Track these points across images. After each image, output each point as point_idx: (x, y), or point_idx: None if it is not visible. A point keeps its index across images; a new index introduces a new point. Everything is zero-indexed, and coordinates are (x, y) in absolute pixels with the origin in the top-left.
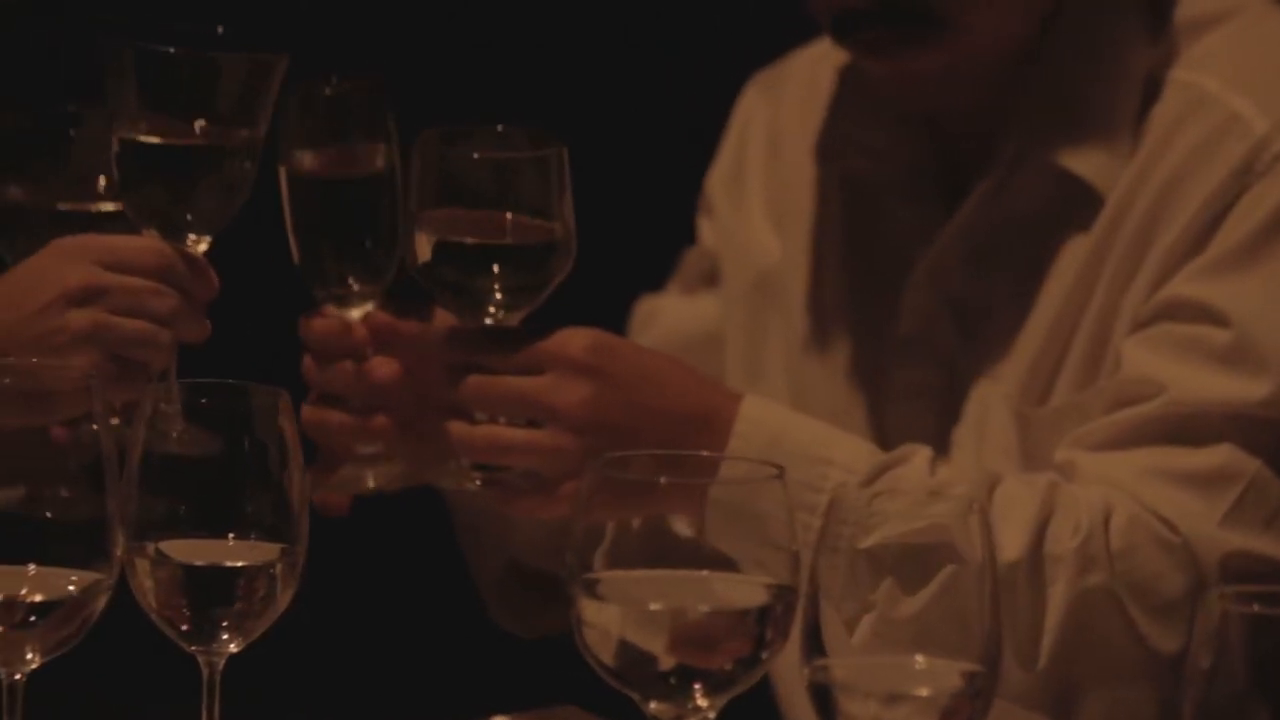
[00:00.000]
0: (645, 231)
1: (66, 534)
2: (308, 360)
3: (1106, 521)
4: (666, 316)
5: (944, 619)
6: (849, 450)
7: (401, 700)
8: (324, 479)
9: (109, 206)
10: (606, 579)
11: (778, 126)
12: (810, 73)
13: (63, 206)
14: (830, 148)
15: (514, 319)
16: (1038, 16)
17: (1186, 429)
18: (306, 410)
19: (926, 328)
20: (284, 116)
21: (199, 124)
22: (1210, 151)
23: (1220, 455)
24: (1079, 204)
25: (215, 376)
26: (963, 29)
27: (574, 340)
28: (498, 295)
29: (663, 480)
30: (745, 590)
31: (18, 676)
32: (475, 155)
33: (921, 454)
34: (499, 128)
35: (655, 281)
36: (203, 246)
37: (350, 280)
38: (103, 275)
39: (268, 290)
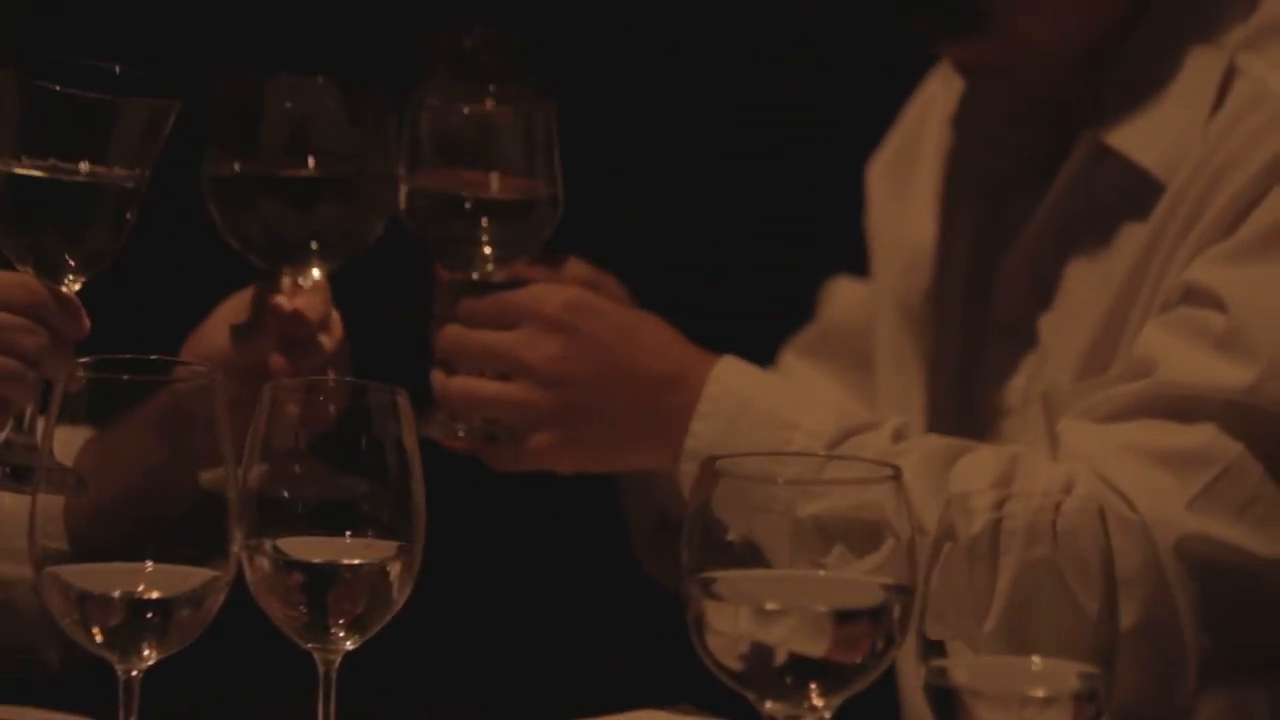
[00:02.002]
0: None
1: (185, 531)
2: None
3: (1065, 495)
4: (838, 297)
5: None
6: (816, 416)
7: (515, 698)
8: (446, 433)
9: (323, 180)
10: (723, 578)
11: (952, 111)
12: None
13: (282, 178)
14: (960, 132)
15: (501, 274)
16: (1107, 16)
17: (1172, 408)
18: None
19: (1017, 313)
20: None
21: (86, 164)
22: (1255, 144)
23: (1201, 437)
24: (1145, 192)
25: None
26: (1008, 25)
27: (550, 297)
28: (484, 250)
29: (779, 481)
30: (862, 590)
31: (134, 673)
32: (464, 111)
33: (889, 422)
34: (491, 86)
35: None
36: (77, 287)
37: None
38: None
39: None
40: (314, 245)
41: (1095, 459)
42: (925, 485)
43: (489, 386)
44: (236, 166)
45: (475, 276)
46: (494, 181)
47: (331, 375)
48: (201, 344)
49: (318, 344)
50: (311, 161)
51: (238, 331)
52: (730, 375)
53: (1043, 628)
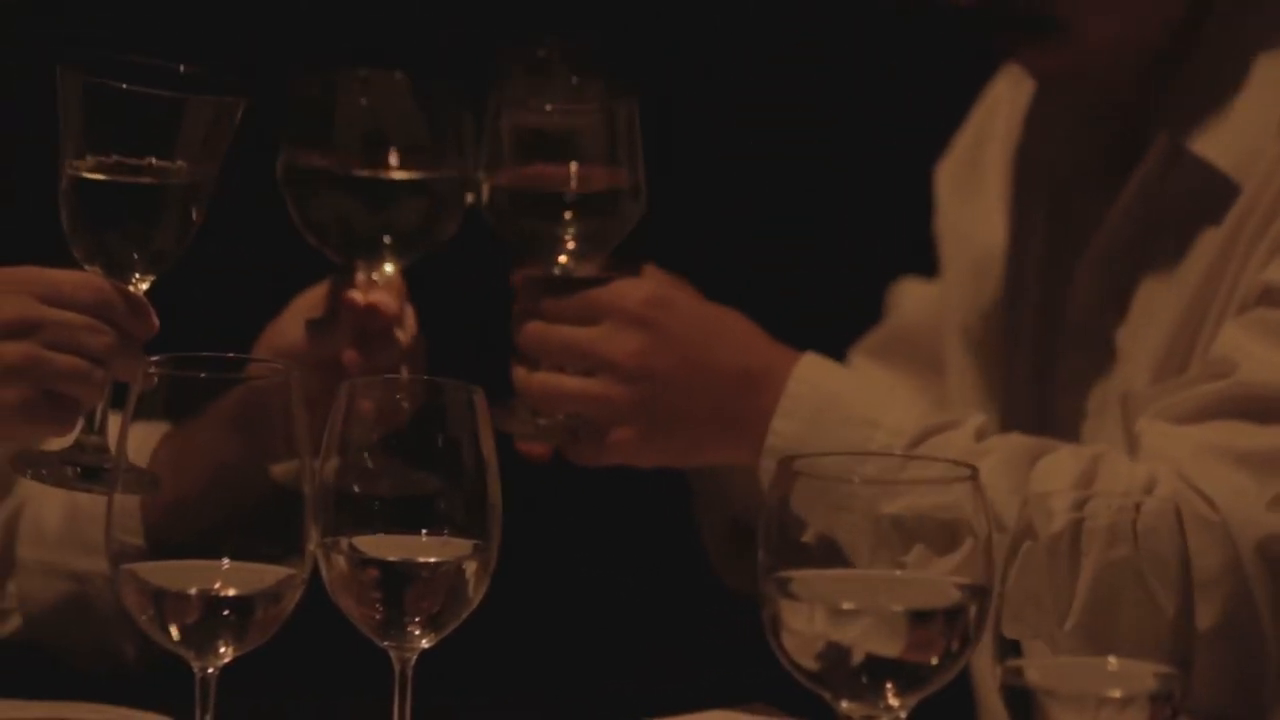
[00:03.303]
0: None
1: (261, 528)
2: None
3: (1147, 495)
4: (906, 299)
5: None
6: (898, 414)
7: (590, 697)
8: (526, 428)
9: (400, 176)
10: (800, 578)
11: (1019, 115)
12: None
13: (359, 174)
14: (1031, 135)
15: (583, 268)
16: (1176, 17)
17: (1252, 408)
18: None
19: (1091, 316)
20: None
21: (152, 163)
22: None
23: None
24: (1220, 194)
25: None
26: (1081, 30)
27: (632, 292)
28: (566, 244)
29: (856, 480)
30: (938, 590)
31: (210, 670)
32: (547, 107)
33: (971, 421)
34: (574, 79)
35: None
36: (145, 285)
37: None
38: (39, 308)
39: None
40: (389, 240)
41: (1175, 459)
42: (1007, 484)
43: (571, 382)
44: (312, 161)
45: (557, 271)
46: (576, 176)
47: (406, 371)
48: (276, 339)
49: (392, 339)
50: (387, 156)
51: (312, 326)
52: (813, 372)
53: (1122, 628)
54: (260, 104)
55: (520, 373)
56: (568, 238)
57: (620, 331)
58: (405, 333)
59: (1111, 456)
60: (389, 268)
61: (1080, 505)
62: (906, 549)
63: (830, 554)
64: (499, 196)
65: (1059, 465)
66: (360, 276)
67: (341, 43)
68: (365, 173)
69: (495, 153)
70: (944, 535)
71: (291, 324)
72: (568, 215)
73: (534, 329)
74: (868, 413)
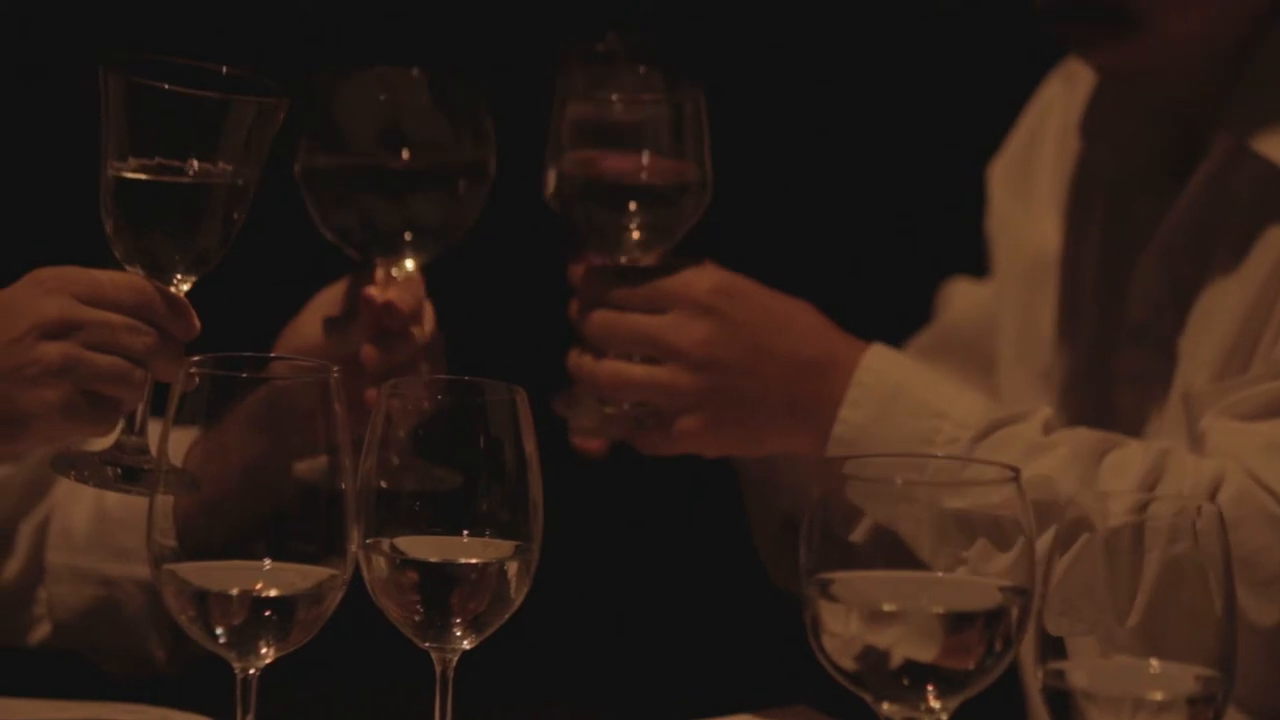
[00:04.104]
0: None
1: (300, 529)
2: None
3: (1214, 493)
4: (957, 298)
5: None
6: (964, 405)
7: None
8: (592, 417)
9: (418, 172)
10: (841, 579)
11: (1072, 116)
12: None
13: (377, 170)
14: (1087, 136)
15: (649, 258)
16: (1245, 16)
17: None
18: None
19: (1152, 315)
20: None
21: (194, 164)
22: None
23: None
24: None
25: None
26: (1156, 29)
27: (699, 280)
28: (632, 234)
29: (899, 481)
30: (979, 592)
31: (252, 671)
32: (614, 97)
33: (1039, 414)
34: (640, 69)
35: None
36: (185, 286)
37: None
38: (80, 309)
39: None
40: (407, 237)
41: (1242, 456)
42: (1075, 476)
43: (638, 370)
44: (330, 158)
45: (623, 260)
46: (643, 165)
47: (425, 367)
48: (295, 336)
49: (410, 336)
50: (405, 153)
51: (331, 324)
52: (881, 363)
53: (1180, 625)
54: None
55: (587, 361)
56: (633, 228)
57: (688, 320)
58: (423, 329)
59: (1179, 452)
60: (408, 264)
61: (1142, 508)
62: (969, 544)
63: (874, 555)
64: (565, 186)
65: (1127, 459)
66: (379, 273)
67: (357, 39)
68: (383, 169)
69: (561, 140)
70: (1003, 532)
71: (310, 322)
72: (634, 206)
73: (601, 317)
74: (935, 404)
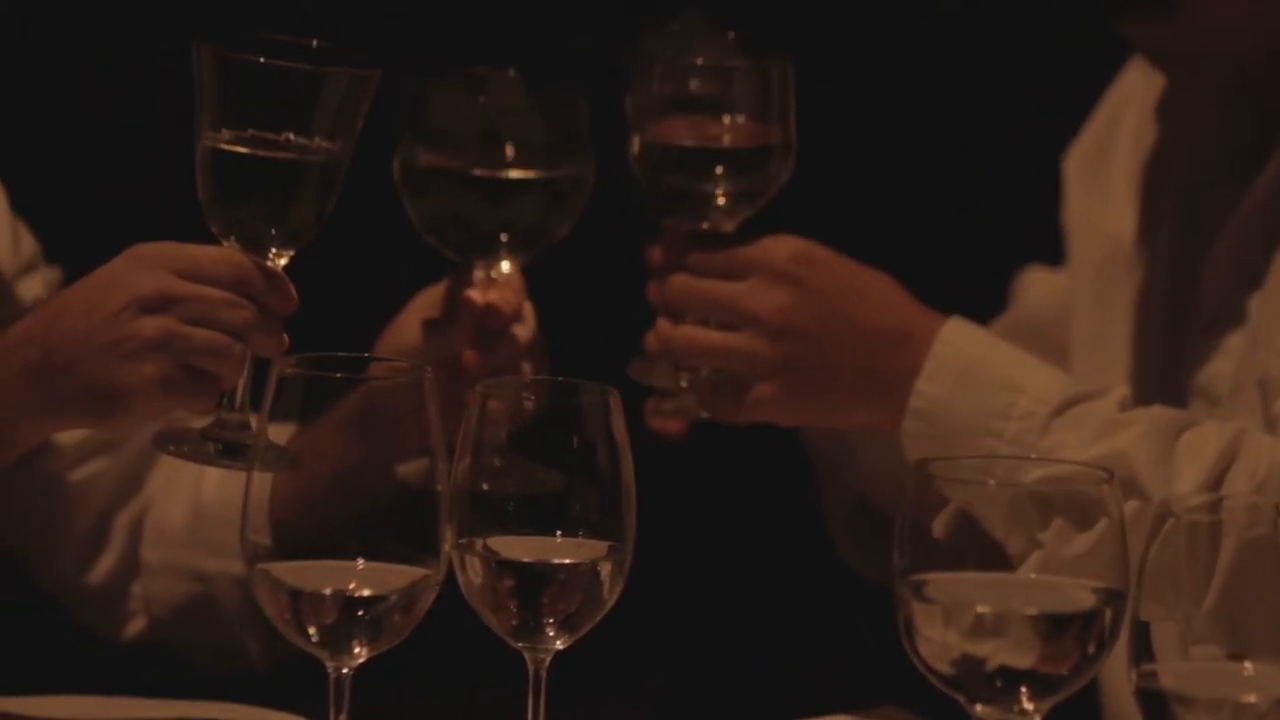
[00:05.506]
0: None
1: (394, 529)
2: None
3: None
4: (1033, 287)
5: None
6: (1041, 380)
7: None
8: (668, 381)
9: (517, 174)
10: (934, 581)
11: (1149, 104)
12: None
13: (476, 172)
14: (1161, 131)
15: (730, 225)
16: None
17: None
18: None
19: (1224, 301)
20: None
21: (290, 137)
22: None
23: None
24: None
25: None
26: (1189, 9)
27: (779, 248)
28: (715, 200)
29: (991, 484)
30: (1073, 594)
31: (345, 670)
32: (698, 62)
33: (1115, 391)
34: (730, 35)
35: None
36: (283, 261)
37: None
38: (177, 283)
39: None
40: (506, 238)
41: None
42: (1151, 453)
43: (715, 336)
44: (429, 160)
45: (705, 226)
46: (728, 131)
47: (527, 369)
48: (395, 338)
49: (511, 337)
50: (504, 154)
51: (430, 326)
52: (958, 336)
53: (1260, 611)
54: (376, 105)
55: (664, 325)
56: (717, 193)
57: (767, 287)
58: (524, 330)
59: (1254, 433)
60: (506, 265)
61: (1218, 479)
62: (1045, 523)
63: (964, 554)
64: (649, 151)
65: (1203, 438)
66: (478, 275)
67: (457, 41)
68: (482, 171)
69: (645, 106)
70: (1082, 510)
71: (410, 324)
72: (718, 170)
73: (680, 281)
74: (1012, 378)
